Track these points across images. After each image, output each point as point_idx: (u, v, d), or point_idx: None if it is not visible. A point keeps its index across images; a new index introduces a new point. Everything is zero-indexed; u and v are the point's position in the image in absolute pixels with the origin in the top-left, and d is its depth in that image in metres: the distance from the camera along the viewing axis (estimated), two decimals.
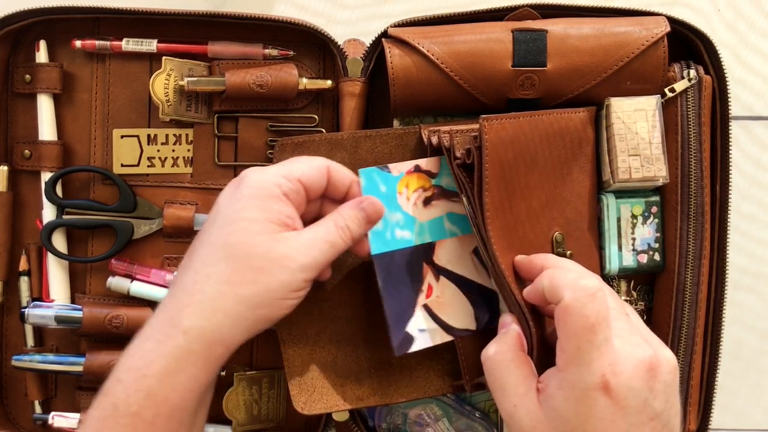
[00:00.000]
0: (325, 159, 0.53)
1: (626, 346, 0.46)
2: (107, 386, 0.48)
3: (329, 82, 0.63)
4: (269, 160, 0.64)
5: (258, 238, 0.48)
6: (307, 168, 0.51)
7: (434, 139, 0.56)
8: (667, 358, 0.47)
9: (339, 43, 0.62)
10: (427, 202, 0.56)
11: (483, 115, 0.52)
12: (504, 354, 0.49)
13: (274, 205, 0.49)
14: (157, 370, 0.47)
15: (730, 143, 0.60)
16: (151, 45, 0.63)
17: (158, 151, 0.64)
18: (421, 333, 0.56)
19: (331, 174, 0.52)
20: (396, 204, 0.55)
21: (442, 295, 0.57)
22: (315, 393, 0.58)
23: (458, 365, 0.58)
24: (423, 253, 0.55)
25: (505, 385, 0.48)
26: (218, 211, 0.50)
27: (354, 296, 0.59)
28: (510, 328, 0.51)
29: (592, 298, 0.45)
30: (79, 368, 0.62)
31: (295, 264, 0.49)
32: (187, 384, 0.48)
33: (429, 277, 0.56)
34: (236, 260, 0.48)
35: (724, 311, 0.61)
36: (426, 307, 0.56)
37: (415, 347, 0.55)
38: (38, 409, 0.65)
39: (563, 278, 0.47)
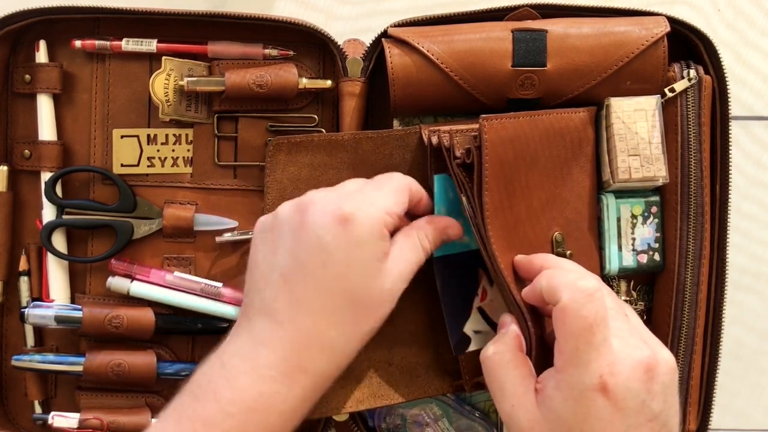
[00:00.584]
0: (407, 177, 0.54)
1: (624, 347, 0.46)
2: (209, 415, 0.47)
3: (329, 82, 0.63)
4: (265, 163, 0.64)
5: (374, 281, 0.49)
6: (404, 199, 0.52)
7: (434, 139, 0.56)
8: (665, 358, 0.47)
9: (339, 43, 0.62)
10: None
11: (483, 115, 0.52)
12: (502, 354, 0.49)
13: (383, 244, 0.50)
14: (282, 411, 0.48)
15: (730, 143, 0.60)
16: (151, 45, 0.63)
17: (158, 151, 0.64)
18: (477, 335, 0.57)
19: (412, 193, 0.53)
20: (459, 209, 0.55)
21: (495, 299, 0.58)
22: None
23: (458, 365, 0.59)
24: (479, 258, 0.55)
25: (504, 385, 0.49)
26: (328, 253, 0.48)
27: None
28: (509, 329, 0.51)
29: (590, 299, 0.45)
30: (79, 368, 0.62)
31: (397, 294, 0.51)
32: (302, 416, 0.49)
33: (484, 281, 0.58)
34: (357, 304, 0.49)
35: (724, 311, 0.61)
36: (480, 310, 0.57)
37: (472, 347, 0.57)
38: (38, 409, 0.65)
39: (561, 279, 0.47)
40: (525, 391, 0.48)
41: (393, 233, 0.53)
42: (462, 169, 0.53)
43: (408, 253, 0.51)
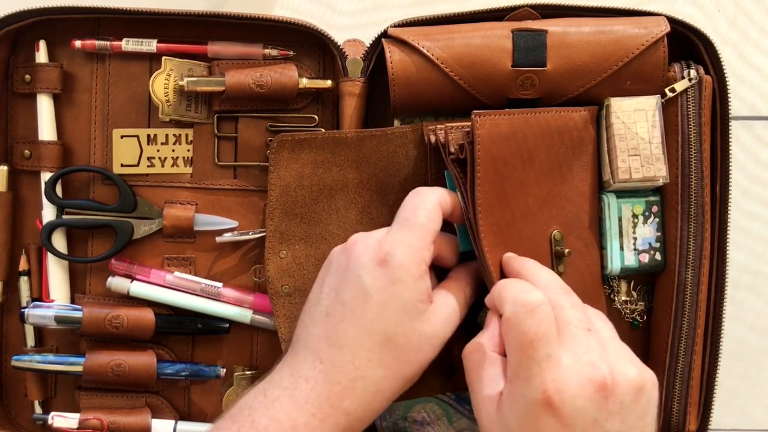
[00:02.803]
0: (435, 193, 0.52)
1: (575, 364, 0.45)
2: None
3: (329, 82, 0.63)
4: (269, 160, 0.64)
5: (414, 325, 0.49)
6: (435, 226, 0.51)
7: (432, 138, 0.56)
8: (627, 377, 0.46)
9: (339, 43, 0.62)
10: None
11: (475, 111, 0.53)
12: (478, 354, 0.50)
13: (423, 284, 0.49)
14: None
15: (730, 143, 0.60)
16: (151, 45, 0.63)
17: (158, 151, 0.64)
18: None
19: (445, 208, 0.53)
20: None
21: None
22: None
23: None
24: None
25: (473, 384, 0.49)
26: (368, 293, 0.49)
27: None
28: (489, 327, 0.51)
29: (531, 314, 0.45)
30: (79, 368, 0.62)
31: (440, 341, 0.50)
32: None
33: None
34: (396, 347, 0.48)
35: (724, 311, 0.61)
36: None
37: None
38: (38, 409, 0.65)
39: (508, 290, 0.48)
40: (490, 393, 0.48)
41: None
42: (456, 164, 0.54)
43: (452, 300, 0.52)
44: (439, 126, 0.56)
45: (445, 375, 0.60)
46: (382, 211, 0.60)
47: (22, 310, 0.62)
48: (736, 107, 0.60)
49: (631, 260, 0.61)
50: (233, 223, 0.64)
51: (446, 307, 0.51)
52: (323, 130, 0.64)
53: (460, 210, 0.54)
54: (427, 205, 0.51)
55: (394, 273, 0.48)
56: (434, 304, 0.50)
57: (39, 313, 0.62)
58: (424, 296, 0.49)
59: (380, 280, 0.49)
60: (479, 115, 0.52)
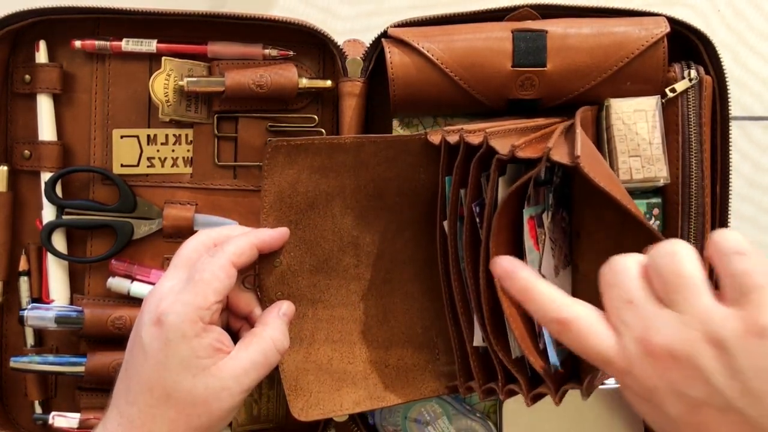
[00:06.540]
0: (233, 247, 0.53)
1: None
2: None
3: (329, 82, 0.63)
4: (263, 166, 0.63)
5: (196, 380, 0.49)
6: (221, 284, 0.51)
7: (452, 138, 0.54)
8: None
9: (339, 43, 0.62)
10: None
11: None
12: None
13: (202, 341, 0.50)
14: None
15: (730, 143, 0.60)
16: (150, 45, 0.63)
17: (158, 151, 0.64)
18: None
19: (243, 259, 0.53)
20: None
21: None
22: (312, 398, 0.58)
23: (453, 366, 0.59)
24: None
25: None
26: (146, 352, 0.50)
27: (348, 296, 0.59)
28: None
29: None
30: (79, 368, 0.62)
31: (236, 391, 0.50)
32: None
33: None
34: (178, 402, 0.49)
35: None
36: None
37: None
38: (38, 409, 0.65)
39: None
40: None
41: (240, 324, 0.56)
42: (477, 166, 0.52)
43: (255, 350, 0.52)
44: (466, 128, 0.54)
45: (441, 378, 0.60)
46: (379, 215, 0.59)
47: (21, 312, 0.62)
48: (731, 110, 0.60)
49: None
50: (233, 223, 0.64)
51: (242, 357, 0.51)
52: (323, 131, 0.64)
53: (272, 247, 0.55)
54: (214, 266, 0.51)
55: (167, 334, 0.49)
56: (229, 356, 0.51)
57: (38, 315, 0.62)
58: (205, 352, 0.50)
59: (156, 340, 0.50)
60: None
